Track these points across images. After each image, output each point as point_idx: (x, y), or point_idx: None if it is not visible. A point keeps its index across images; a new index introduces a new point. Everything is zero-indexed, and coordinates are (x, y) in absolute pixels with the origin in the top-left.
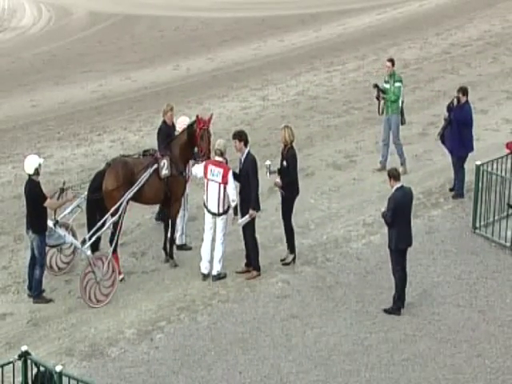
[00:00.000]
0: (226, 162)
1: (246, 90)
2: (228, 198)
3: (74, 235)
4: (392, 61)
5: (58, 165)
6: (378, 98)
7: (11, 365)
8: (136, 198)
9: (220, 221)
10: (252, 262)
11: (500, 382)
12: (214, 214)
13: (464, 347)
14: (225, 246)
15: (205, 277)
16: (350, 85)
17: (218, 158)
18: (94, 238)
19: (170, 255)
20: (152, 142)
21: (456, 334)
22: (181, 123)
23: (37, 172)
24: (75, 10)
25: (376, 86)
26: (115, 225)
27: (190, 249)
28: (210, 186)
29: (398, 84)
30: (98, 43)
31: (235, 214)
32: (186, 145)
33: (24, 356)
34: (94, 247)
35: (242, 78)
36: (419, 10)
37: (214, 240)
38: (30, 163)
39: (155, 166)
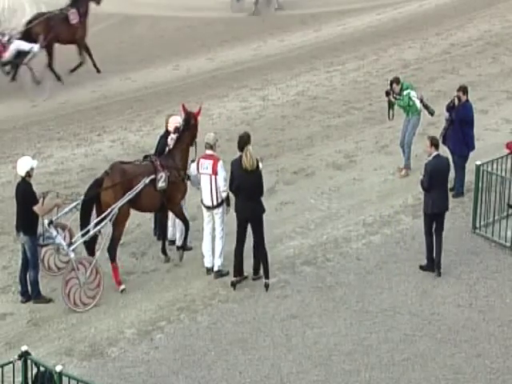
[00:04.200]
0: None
1: (246, 90)
2: (220, 189)
3: (71, 236)
4: (395, 81)
5: (57, 165)
6: (389, 104)
7: (11, 365)
8: (132, 205)
9: (217, 215)
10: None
11: (500, 382)
12: (208, 208)
13: (464, 347)
14: (224, 241)
15: (208, 271)
16: (349, 85)
17: (207, 152)
18: (80, 241)
19: (182, 247)
20: (152, 142)
21: (456, 334)
22: (172, 123)
23: (28, 175)
24: None
25: (387, 93)
26: (113, 234)
27: (190, 249)
28: (203, 179)
29: (405, 92)
30: (97, 43)
31: (228, 204)
32: (189, 144)
33: (24, 356)
34: (90, 251)
35: (241, 78)
36: (419, 10)
37: (213, 237)
38: (23, 166)
39: (152, 176)
